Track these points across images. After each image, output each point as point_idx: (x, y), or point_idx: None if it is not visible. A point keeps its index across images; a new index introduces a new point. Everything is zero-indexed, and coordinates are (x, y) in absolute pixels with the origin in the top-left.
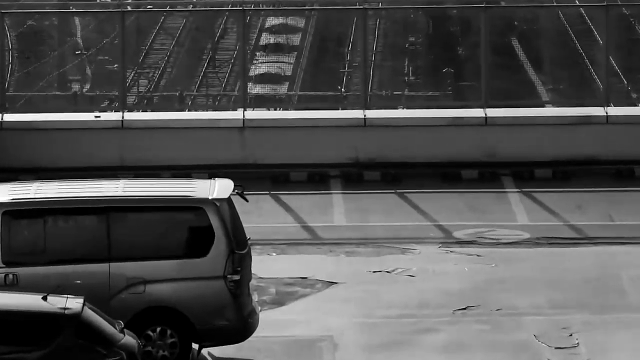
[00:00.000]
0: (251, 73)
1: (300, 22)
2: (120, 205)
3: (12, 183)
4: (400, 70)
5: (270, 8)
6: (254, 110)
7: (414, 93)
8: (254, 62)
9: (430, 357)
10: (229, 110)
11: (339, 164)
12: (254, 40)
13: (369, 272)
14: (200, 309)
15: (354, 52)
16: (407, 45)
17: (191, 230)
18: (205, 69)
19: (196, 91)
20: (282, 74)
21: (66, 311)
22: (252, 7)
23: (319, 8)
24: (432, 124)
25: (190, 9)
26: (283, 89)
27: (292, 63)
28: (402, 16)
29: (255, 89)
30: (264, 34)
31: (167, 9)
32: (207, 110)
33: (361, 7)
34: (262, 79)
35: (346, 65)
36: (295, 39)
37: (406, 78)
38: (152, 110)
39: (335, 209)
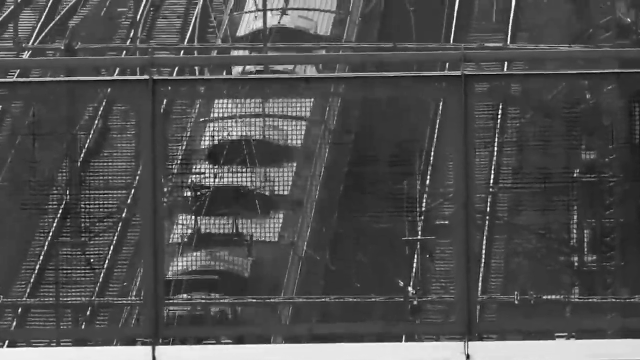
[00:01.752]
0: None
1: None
2: None
3: None
4: (562, 236)
5: (226, 77)
6: (179, 346)
7: (596, 298)
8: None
9: None
10: (115, 341)
11: None
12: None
13: None
14: None
15: (435, 184)
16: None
17: None
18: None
19: (32, 293)
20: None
21: None
22: (164, 76)
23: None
24: None
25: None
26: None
27: (279, 223)
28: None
29: (181, 289)
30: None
31: None
32: (57, 344)
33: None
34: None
35: (419, 224)
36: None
37: (575, 258)
38: None
39: None
